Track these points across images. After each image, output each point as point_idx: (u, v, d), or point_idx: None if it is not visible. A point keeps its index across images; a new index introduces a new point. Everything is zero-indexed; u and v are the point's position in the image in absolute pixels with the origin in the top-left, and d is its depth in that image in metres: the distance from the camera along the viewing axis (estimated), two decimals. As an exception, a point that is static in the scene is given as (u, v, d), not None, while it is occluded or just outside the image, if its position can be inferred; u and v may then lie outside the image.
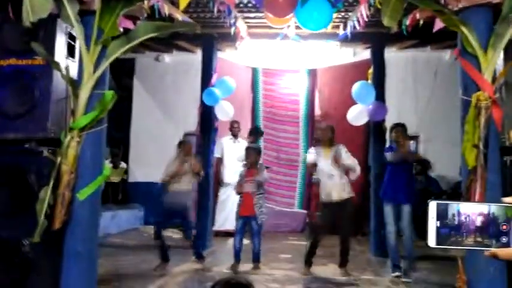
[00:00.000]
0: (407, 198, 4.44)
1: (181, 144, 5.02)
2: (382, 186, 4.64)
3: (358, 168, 4.64)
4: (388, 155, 4.62)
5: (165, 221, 4.88)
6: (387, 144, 5.92)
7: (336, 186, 4.54)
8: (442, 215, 0.77)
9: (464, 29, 2.45)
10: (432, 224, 0.76)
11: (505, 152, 2.59)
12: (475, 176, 2.35)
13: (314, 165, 4.69)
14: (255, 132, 6.97)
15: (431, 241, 0.77)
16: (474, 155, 2.35)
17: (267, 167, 7.33)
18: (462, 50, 2.57)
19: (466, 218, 0.76)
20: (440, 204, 0.77)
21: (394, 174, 4.50)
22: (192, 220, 4.97)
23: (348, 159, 4.63)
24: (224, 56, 6.82)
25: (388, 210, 4.50)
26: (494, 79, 2.45)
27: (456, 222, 0.76)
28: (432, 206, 0.77)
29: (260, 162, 5.07)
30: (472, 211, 0.76)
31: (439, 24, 2.76)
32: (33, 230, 2.63)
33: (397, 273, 4.40)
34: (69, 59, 3.16)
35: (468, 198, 2.38)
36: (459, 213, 0.76)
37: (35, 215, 2.64)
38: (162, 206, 4.79)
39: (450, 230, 0.76)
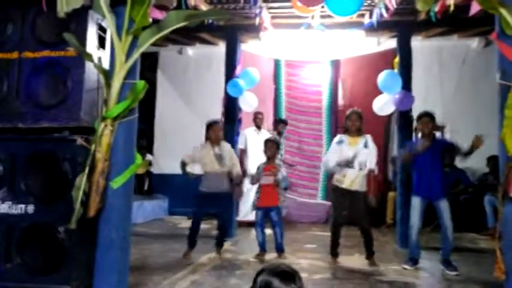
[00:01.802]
0: (443, 193, 4.33)
1: (210, 126, 4.74)
2: (414, 182, 4.51)
3: (375, 167, 4.59)
4: (410, 149, 4.50)
5: (201, 208, 4.69)
6: (413, 135, 5.85)
7: (351, 174, 4.48)
8: None
9: (503, 11, 2.38)
10: None
11: (545, 139, 2.50)
12: (514, 163, 2.29)
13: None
14: (281, 122, 7.01)
15: None
16: (514, 141, 2.29)
17: (291, 165, 7.34)
18: (500, 33, 2.49)
19: None
20: None
21: (426, 168, 4.36)
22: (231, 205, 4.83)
23: (374, 153, 4.59)
24: (246, 47, 6.81)
25: (417, 204, 4.39)
26: (534, 63, 2.37)
27: None
28: None
29: (278, 162, 5.05)
30: None
31: (475, 8, 2.68)
32: (68, 217, 2.69)
33: (408, 266, 4.34)
34: (100, 50, 3.21)
35: (507, 186, 2.32)
36: None
37: (69, 202, 2.70)
38: (197, 193, 4.67)
39: None
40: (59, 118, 2.99)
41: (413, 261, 4.40)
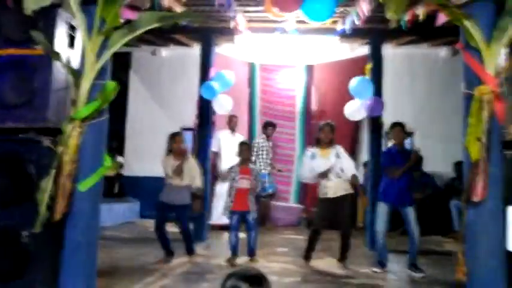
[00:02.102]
0: (410, 201, 4.47)
1: (172, 137, 4.78)
2: (381, 188, 4.63)
3: (353, 173, 4.67)
4: (388, 170, 4.63)
5: (161, 217, 4.71)
6: (383, 140, 5.99)
7: (331, 185, 4.59)
8: None
9: (467, 23, 2.46)
10: (511, 228, 0.76)
11: (506, 146, 2.61)
12: (477, 170, 2.37)
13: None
14: (270, 126, 6.99)
15: (511, 245, 0.76)
16: (477, 148, 2.36)
17: (279, 170, 7.36)
18: (465, 44, 2.57)
19: None
20: None
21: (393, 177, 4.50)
22: (188, 216, 4.85)
23: (348, 161, 4.69)
24: (221, 50, 6.80)
25: (383, 210, 4.53)
26: (497, 73, 2.47)
27: None
28: (511, 211, 0.77)
29: (255, 168, 5.08)
30: None
31: (442, 18, 2.76)
32: (32, 221, 2.60)
33: (377, 269, 4.47)
34: (70, 49, 3.13)
35: (470, 191, 2.40)
36: None
37: (34, 205, 2.61)
38: (157, 202, 4.72)
39: None
40: (25, 118, 2.88)
41: (382, 264, 4.51)
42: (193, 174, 4.78)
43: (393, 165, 4.51)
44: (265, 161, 6.91)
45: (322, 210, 4.69)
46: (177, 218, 4.81)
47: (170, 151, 4.77)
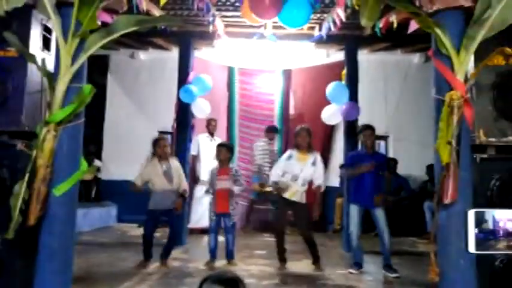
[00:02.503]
0: (379, 202, 4.55)
1: (156, 142, 4.74)
2: (350, 190, 4.74)
3: (319, 183, 4.73)
4: (344, 172, 4.74)
5: (152, 225, 4.66)
6: (359, 144, 6.09)
7: (295, 190, 4.64)
8: (479, 222, 0.81)
9: (438, 31, 2.56)
10: (471, 231, 0.80)
11: (475, 150, 2.71)
12: (448, 172, 2.46)
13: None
14: (273, 131, 6.96)
15: (471, 247, 0.81)
16: (448, 151, 2.45)
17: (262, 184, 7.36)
18: (436, 51, 2.67)
19: (502, 223, 0.81)
20: (478, 213, 0.82)
21: (362, 179, 4.60)
22: (177, 219, 4.82)
23: (321, 170, 4.76)
24: (200, 54, 6.80)
25: (355, 212, 4.63)
26: (466, 80, 2.57)
27: (492, 228, 0.81)
28: (471, 214, 0.81)
29: (235, 167, 5.08)
30: (506, 217, 0.81)
31: (413, 26, 2.87)
32: (5, 226, 2.55)
33: (353, 271, 4.55)
34: (45, 51, 3.09)
35: (441, 194, 2.48)
36: (494, 220, 0.81)
37: (7, 210, 2.56)
38: (148, 206, 4.65)
39: (487, 235, 0.80)
40: (-2, 121, 2.83)
41: (358, 265, 4.59)
42: (181, 177, 4.78)
43: (356, 165, 4.61)
44: (269, 164, 6.91)
45: (280, 207, 4.77)
46: (169, 221, 4.76)
47: (154, 155, 4.71)
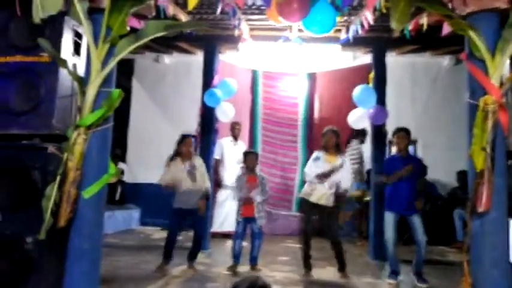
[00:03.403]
0: (416, 209, 4.42)
1: (182, 140, 4.74)
2: (386, 197, 4.60)
3: (346, 187, 4.67)
4: (379, 178, 4.62)
5: (177, 224, 4.67)
6: (386, 148, 5.97)
7: (319, 191, 4.56)
8: None
9: (472, 34, 2.48)
10: None
11: (510, 156, 2.61)
12: (482, 179, 2.37)
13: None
14: (362, 134, 6.85)
15: None
16: (482, 158, 2.37)
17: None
18: (469, 55, 2.59)
19: None
20: None
21: (400, 184, 4.46)
22: (201, 221, 4.79)
23: (348, 174, 4.68)
24: (225, 58, 6.83)
25: (390, 219, 4.48)
26: (501, 84, 2.48)
27: None
28: None
29: (262, 174, 5.05)
30: None
31: (446, 29, 2.79)
32: (36, 228, 2.61)
33: (392, 280, 4.42)
34: (75, 56, 3.15)
35: (475, 201, 2.40)
36: None
37: (38, 212, 2.61)
38: (173, 205, 4.65)
39: None
40: (30, 125, 2.91)
41: (395, 273, 4.46)
42: (204, 177, 4.78)
43: (392, 172, 4.49)
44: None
45: (305, 212, 4.66)
46: (194, 222, 4.74)
47: (177, 154, 4.73)
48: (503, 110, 2.44)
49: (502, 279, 2.45)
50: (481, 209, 2.39)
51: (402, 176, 4.43)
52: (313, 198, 4.56)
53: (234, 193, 5.03)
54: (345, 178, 4.64)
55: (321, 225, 4.75)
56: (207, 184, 4.81)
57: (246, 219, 4.75)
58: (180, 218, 4.68)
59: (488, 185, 2.36)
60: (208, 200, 4.80)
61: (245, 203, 4.76)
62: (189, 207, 4.60)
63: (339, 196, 4.63)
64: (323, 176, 4.54)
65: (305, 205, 4.65)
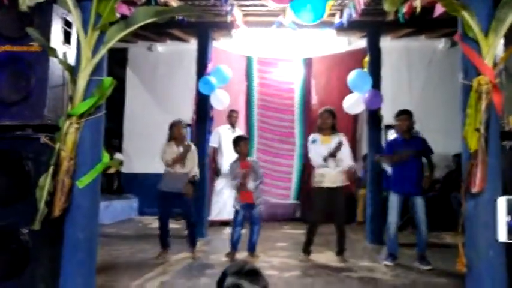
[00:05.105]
0: (419, 190, 4.43)
1: (173, 125, 4.81)
2: (392, 179, 4.60)
3: (350, 164, 4.68)
4: (384, 159, 4.61)
5: (165, 208, 4.70)
6: (382, 133, 5.97)
7: (329, 174, 4.54)
8: (510, 210, 0.76)
9: (465, 14, 2.44)
10: (502, 219, 0.76)
11: (504, 137, 2.61)
12: (476, 160, 2.36)
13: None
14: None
15: (503, 236, 0.76)
16: (476, 138, 2.36)
17: None
18: (463, 35, 2.56)
19: None
20: (510, 200, 0.77)
21: (404, 165, 4.46)
22: (192, 204, 4.80)
23: (348, 151, 4.67)
24: (218, 45, 6.77)
25: (395, 200, 4.49)
26: (495, 64, 2.46)
27: None
28: (501, 202, 0.77)
29: (254, 159, 5.03)
30: None
31: (439, 10, 2.76)
32: (31, 218, 2.60)
33: (388, 263, 4.45)
34: (65, 45, 3.12)
35: (469, 182, 2.40)
36: None
37: (33, 202, 2.60)
38: (159, 192, 4.68)
39: None
40: (22, 115, 2.88)
41: (393, 256, 4.50)
42: (194, 163, 4.80)
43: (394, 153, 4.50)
44: None
45: (319, 201, 4.60)
46: (181, 206, 4.77)
47: (171, 139, 4.77)
48: (497, 91, 2.42)
49: (497, 259, 2.46)
50: (474, 190, 2.39)
51: (402, 158, 4.41)
52: (327, 184, 4.54)
53: (229, 181, 5.02)
54: (346, 155, 4.63)
55: (331, 210, 4.65)
56: (195, 170, 4.82)
57: (244, 205, 4.75)
58: (167, 202, 4.68)
59: (482, 165, 2.35)
60: (195, 185, 4.82)
61: (243, 189, 4.75)
62: (174, 190, 4.61)
63: (349, 173, 4.64)
64: (330, 156, 4.52)
65: (318, 194, 4.60)
